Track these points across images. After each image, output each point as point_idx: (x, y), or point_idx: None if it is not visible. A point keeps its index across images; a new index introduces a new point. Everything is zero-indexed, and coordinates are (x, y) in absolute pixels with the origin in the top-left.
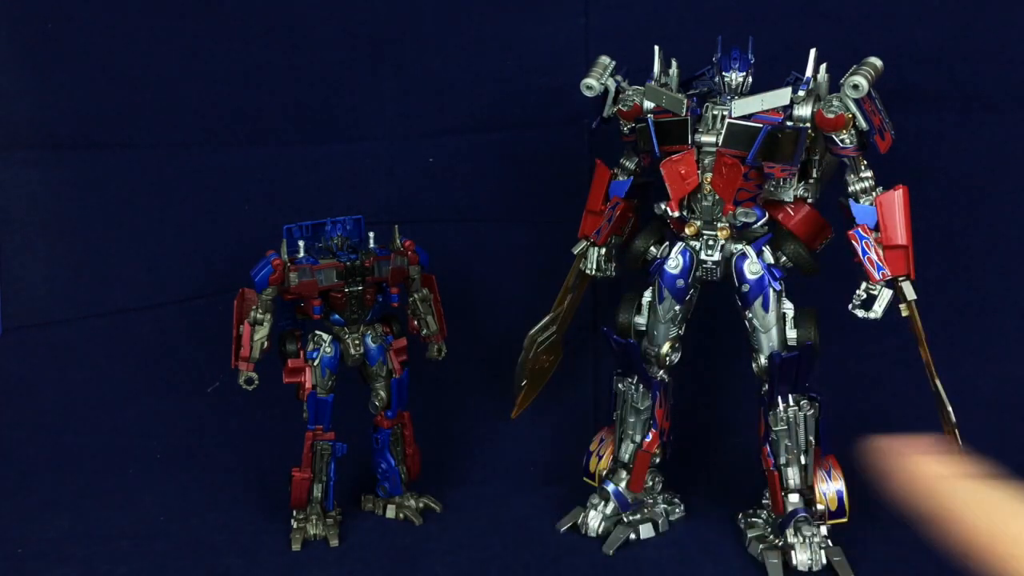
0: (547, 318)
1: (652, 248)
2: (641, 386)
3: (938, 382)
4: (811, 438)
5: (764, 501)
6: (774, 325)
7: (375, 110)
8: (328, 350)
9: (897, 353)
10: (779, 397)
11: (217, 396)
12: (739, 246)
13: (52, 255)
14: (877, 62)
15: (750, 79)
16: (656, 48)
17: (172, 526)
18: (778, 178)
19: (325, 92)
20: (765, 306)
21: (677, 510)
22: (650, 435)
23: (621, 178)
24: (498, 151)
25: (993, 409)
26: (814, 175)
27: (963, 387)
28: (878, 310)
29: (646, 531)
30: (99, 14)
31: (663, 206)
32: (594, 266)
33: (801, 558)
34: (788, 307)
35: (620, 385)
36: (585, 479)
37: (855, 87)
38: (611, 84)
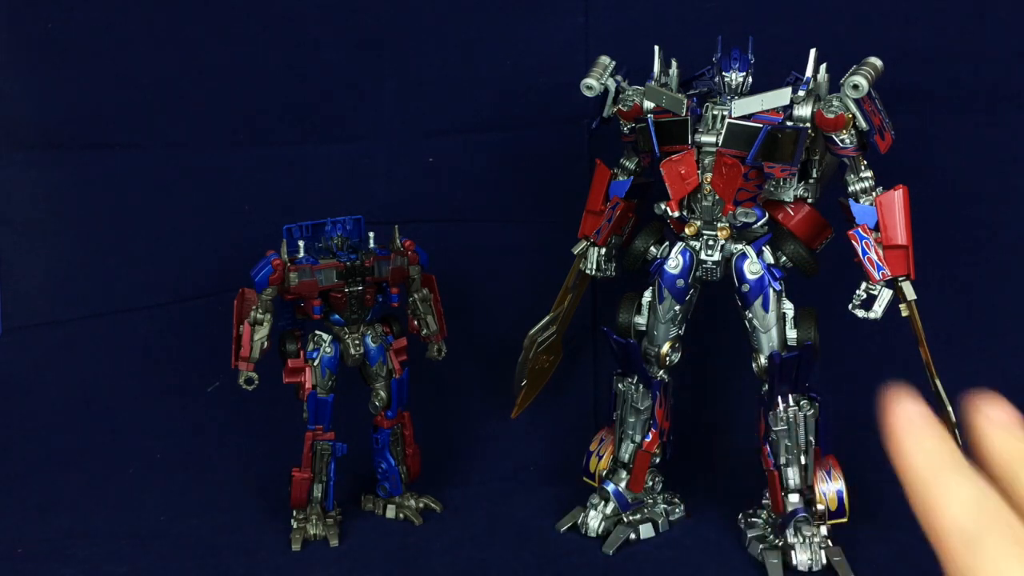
0: (547, 318)
1: (652, 248)
2: (641, 386)
3: (938, 382)
4: (811, 438)
5: (764, 501)
6: (774, 325)
7: (375, 110)
8: (328, 350)
9: (897, 353)
10: (779, 397)
11: (217, 396)
12: (739, 246)
13: (52, 255)
14: (877, 62)
15: (750, 79)
16: (656, 48)
17: (172, 526)
18: (778, 178)
19: (325, 92)
20: (765, 306)
21: (677, 510)
22: (650, 435)
23: (621, 178)
24: (498, 151)
25: None
26: (814, 175)
27: (963, 387)
28: (878, 310)
29: (646, 531)
30: (99, 14)
31: (663, 206)
32: (594, 266)
33: (801, 558)
34: (788, 307)
35: (620, 385)
36: (585, 479)
37: (855, 87)
38: (611, 84)
